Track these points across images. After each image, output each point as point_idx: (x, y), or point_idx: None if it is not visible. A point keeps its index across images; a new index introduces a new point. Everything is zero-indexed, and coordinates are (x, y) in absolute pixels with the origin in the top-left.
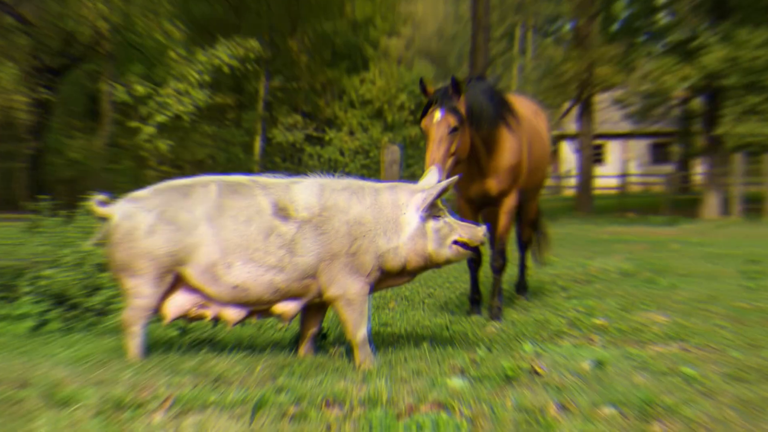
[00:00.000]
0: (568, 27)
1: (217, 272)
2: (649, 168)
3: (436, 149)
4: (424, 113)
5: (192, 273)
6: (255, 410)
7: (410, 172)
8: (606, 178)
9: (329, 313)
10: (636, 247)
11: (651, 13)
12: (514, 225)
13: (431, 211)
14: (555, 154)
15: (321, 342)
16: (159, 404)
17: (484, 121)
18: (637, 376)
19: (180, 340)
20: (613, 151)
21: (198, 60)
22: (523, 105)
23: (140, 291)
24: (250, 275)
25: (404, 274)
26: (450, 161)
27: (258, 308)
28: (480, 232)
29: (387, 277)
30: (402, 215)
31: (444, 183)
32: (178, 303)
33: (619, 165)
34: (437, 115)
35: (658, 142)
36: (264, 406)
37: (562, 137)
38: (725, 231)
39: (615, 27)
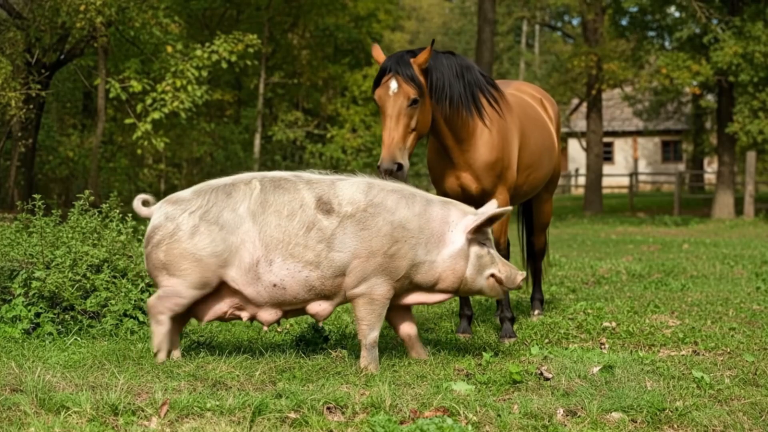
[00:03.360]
0: (576, 21)
1: (259, 270)
2: (659, 167)
3: (395, 126)
4: (377, 82)
5: (234, 274)
6: (254, 416)
7: (414, 170)
8: (615, 177)
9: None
10: (646, 247)
11: (662, 7)
12: (521, 231)
13: (478, 236)
14: (564, 152)
15: (323, 344)
16: (155, 410)
17: (445, 99)
18: (647, 380)
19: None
20: (622, 149)
21: (196, 55)
22: (524, 92)
23: (178, 290)
24: (288, 272)
25: (433, 291)
26: (411, 139)
27: (292, 308)
28: (519, 277)
29: (413, 290)
30: (448, 232)
31: (498, 210)
32: (214, 306)
33: (629, 164)
34: (392, 84)
35: (669, 140)
36: (263, 412)
37: (571, 135)
38: (738, 231)
39: (624, 21)
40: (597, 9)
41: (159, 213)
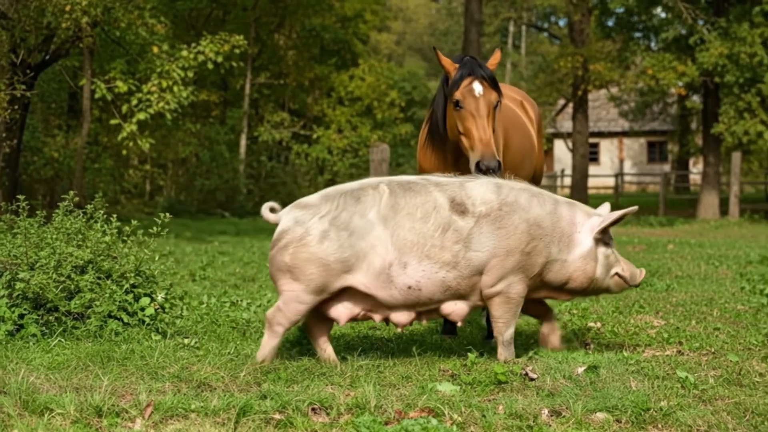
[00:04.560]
0: (562, 22)
1: (392, 273)
2: (645, 167)
3: (487, 126)
4: (457, 84)
5: (362, 279)
6: (239, 417)
7: (400, 171)
8: (601, 177)
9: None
10: (632, 248)
11: (648, 8)
12: None
13: (604, 236)
14: (549, 152)
15: (308, 345)
16: (139, 411)
17: None
18: (631, 380)
19: (162, 344)
20: (608, 150)
21: (181, 56)
22: (504, 95)
23: (299, 296)
24: (424, 273)
25: (561, 291)
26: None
27: (427, 309)
28: (640, 275)
29: (542, 289)
30: (576, 233)
31: (627, 210)
32: (349, 306)
33: (614, 164)
34: (478, 86)
35: (654, 140)
36: (248, 413)
37: (557, 136)
38: (723, 232)
39: (611, 22)
40: (583, 10)
41: (288, 217)
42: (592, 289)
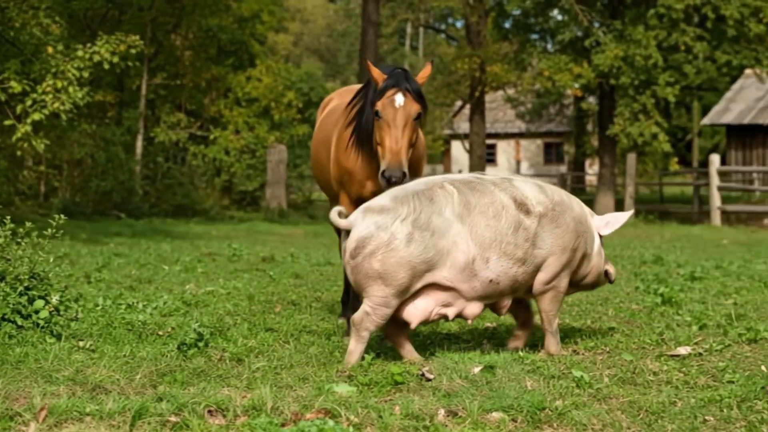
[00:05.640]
0: (459, 24)
1: (476, 268)
2: (542, 168)
3: (401, 137)
4: (381, 94)
5: (447, 274)
6: (134, 420)
7: (297, 172)
8: None
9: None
10: None
11: (544, 10)
12: None
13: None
14: (446, 153)
15: (204, 348)
16: (33, 415)
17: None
18: (527, 380)
19: (56, 347)
20: (505, 151)
21: (77, 56)
22: None
23: (388, 300)
24: (502, 269)
25: (578, 286)
26: (409, 154)
27: (492, 302)
28: (615, 273)
29: (570, 284)
30: (594, 231)
31: (630, 213)
32: (422, 307)
33: (511, 165)
34: (399, 97)
35: (551, 141)
36: (143, 416)
37: (454, 137)
38: (618, 232)
39: (507, 24)
40: (480, 12)
41: (366, 222)
42: (594, 284)
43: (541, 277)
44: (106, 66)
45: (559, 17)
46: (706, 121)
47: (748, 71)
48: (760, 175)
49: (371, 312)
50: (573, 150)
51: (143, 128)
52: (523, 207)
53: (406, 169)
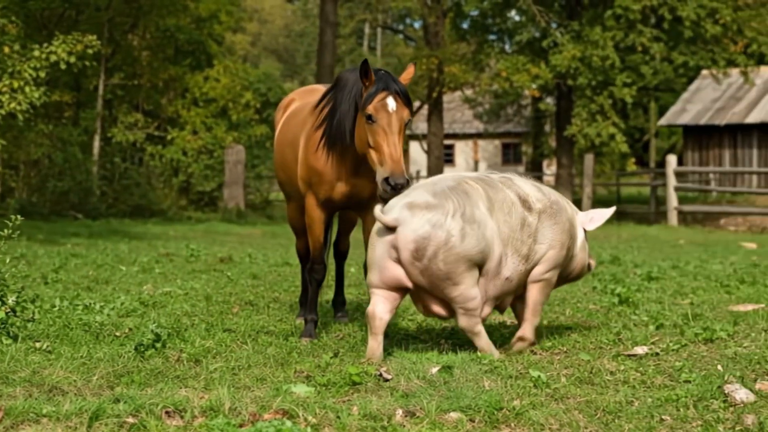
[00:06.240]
0: (418, 24)
1: (500, 264)
2: (500, 169)
3: (398, 143)
4: (371, 98)
5: (488, 268)
6: (91, 421)
7: (255, 172)
8: None
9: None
10: None
11: (502, 11)
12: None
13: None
14: (405, 154)
15: (162, 348)
16: None
17: None
18: (485, 380)
19: (12, 348)
20: (463, 151)
21: (33, 56)
22: None
23: (468, 294)
24: (514, 266)
25: (566, 280)
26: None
27: (499, 302)
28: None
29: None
30: (579, 227)
31: (612, 209)
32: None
33: (469, 166)
34: (391, 102)
35: (509, 142)
36: (101, 417)
37: (412, 137)
38: None
39: (465, 25)
40: (438, 12)
41: (419, 220)
42: (578, 276)
43: (539, 269)
44: (63, 66)
45: (517, 18)
46: (663, 121)
47: (704, 72)
48: (716, 175)
49: (466, 312)
50: (531, 150)
51: (100, 128)
52: (526, 204)
53: (407, 175)
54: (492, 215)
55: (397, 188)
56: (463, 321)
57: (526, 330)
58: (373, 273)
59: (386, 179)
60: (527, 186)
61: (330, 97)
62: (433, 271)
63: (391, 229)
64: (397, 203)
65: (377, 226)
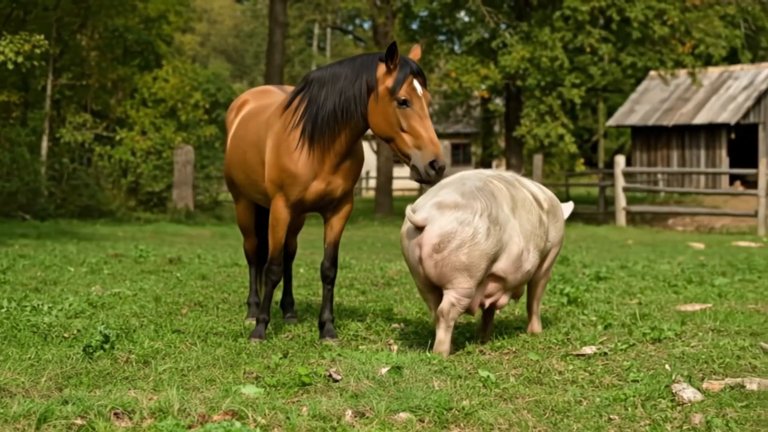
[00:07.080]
0: (367, 25)
1: (522, 259)
2: (449, 169)
3: (431, 125)
4: (401, 82)
5: (502, 265)
6: (39, 423)
7: (204, 173)
8: (405, 179)
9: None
10: None
11: (451, 11)
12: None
13: None
14: None
15: (110, 350)
16: None
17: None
18: (434, 380)
19: None
20: None
21: None
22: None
23: (471, 290)
24: (534, 259)
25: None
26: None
27: (515, 292)
28: None
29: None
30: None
31: (571, 204)
32: (477, 298)
33: None
34: (418, 85)
35: (458, 142)
36: (49, 419)
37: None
38: None
39: (415, 25)
40: (388, 13)
41: (447, 218)
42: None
43: (545, 265)
44: (11, 66)
45: (466, 19)
46: (611, 122)
47: (652, 73)
48: (664, 176)
49: (456, 302)
50: (480, 151)
51: (48, 129)
52: (538, 202)
53: None
54: (515, 214)
55: (440, 171)
56: (451, 311)
57: (535, 325)
58: (415, 279)
59: (431, 163)
60: (532, 186)
61: (302, 96)
62: (452, 262)
63: (419, 229)
64: (426, 203)
65: (406, 227)
